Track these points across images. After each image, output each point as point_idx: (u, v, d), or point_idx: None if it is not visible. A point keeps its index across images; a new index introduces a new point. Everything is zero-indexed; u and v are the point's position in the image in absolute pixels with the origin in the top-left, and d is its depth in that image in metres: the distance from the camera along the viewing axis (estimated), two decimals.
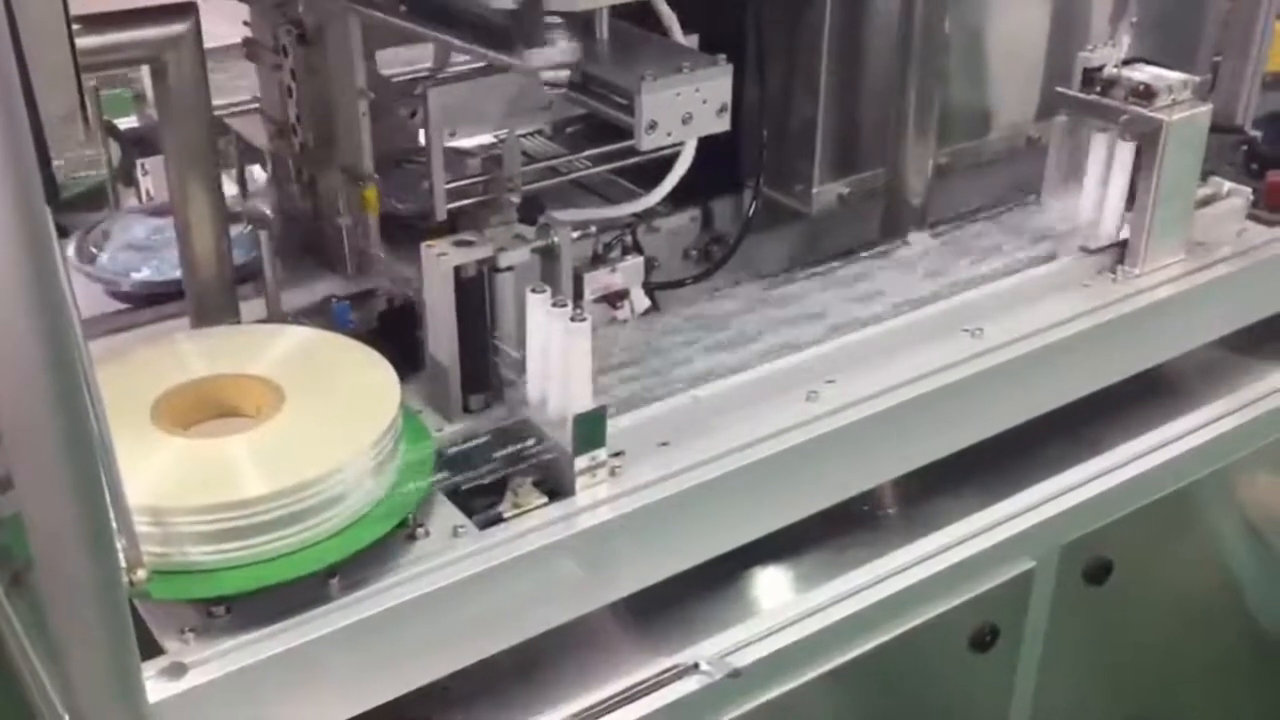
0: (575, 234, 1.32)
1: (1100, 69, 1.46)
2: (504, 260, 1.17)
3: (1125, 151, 1.43)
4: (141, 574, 0.90)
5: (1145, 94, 1.42)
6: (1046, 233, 1.48)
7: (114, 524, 0.83)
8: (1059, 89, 1.49)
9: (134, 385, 1.07)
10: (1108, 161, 1.44)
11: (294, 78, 1.36)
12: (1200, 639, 1.68)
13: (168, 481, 0.98)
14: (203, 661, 0.94)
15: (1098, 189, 1.46)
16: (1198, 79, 1.47)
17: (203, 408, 1.09)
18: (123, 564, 0.85)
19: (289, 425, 1.05)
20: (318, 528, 0.99)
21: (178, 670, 0.93)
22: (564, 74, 1.10)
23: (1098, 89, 1.46)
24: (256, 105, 1.49)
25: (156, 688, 0.91)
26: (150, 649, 0.94)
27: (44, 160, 0.73)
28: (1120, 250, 1.48)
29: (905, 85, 1.46)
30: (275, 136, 1.44)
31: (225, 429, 1.07)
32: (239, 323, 1.29)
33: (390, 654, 1.02)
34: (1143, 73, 1.45)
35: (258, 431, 1.04)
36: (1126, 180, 1.44)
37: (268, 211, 1.42)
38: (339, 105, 1.33)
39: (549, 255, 1.19)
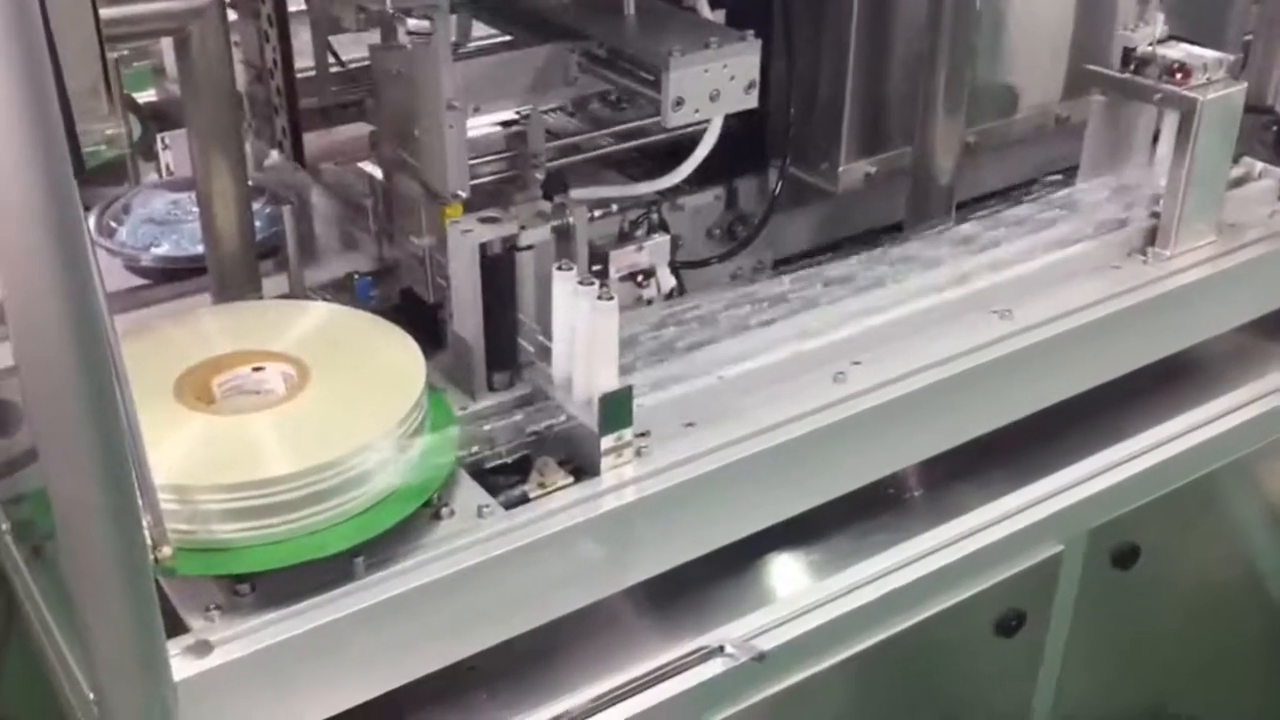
0: (599, 212, 1.31)
1: (1136, 47, 1.43)
2: (525, 239, 1.15)
3: (1165, 131, 1.41)
4: (167, 551, 0.89)
5: (1180, 72, 1.40)
6: (1077, 213, 1.45)
7: (139, 500, 0.82)
8: (1093, 67, 1.47)
9: (157, 361, 1.06)
10: (1144, 141, 1.42)
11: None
12: (1225, 626, 1.67)
13: (192, 459, 0.98)
14: (227, 640, 0.94)
15: (1132, 169, 1.44)
16: (1232, 58, 1.45)
17: (226, 385, 1.08)
18: (148, 540, 0.85)
19: (314, 403, 1.04)
20: (342, 507, 0.99)
21: (203, 648, 0.93)
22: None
23: (1132, 67, 1.44)
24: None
25: (181, 665, 0.91)
26: (175, 628, 0.93)
27: (71, 133, 0.72)
28: (1151, 232, 1.46)
29: (935, 62, 1.44)
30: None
31: (249, 406, 1.06)
32: (260, 298, 1.28)
33: (414, 634, 1.01)
34: (1178, 51, 1.42)
35: (282, 409, 1.03)
36: (1162, 161, 1.42)
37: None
38: (423, 119, 1.20)
39: (564, 234, 1.18)
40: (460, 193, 1.17)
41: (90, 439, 0.76)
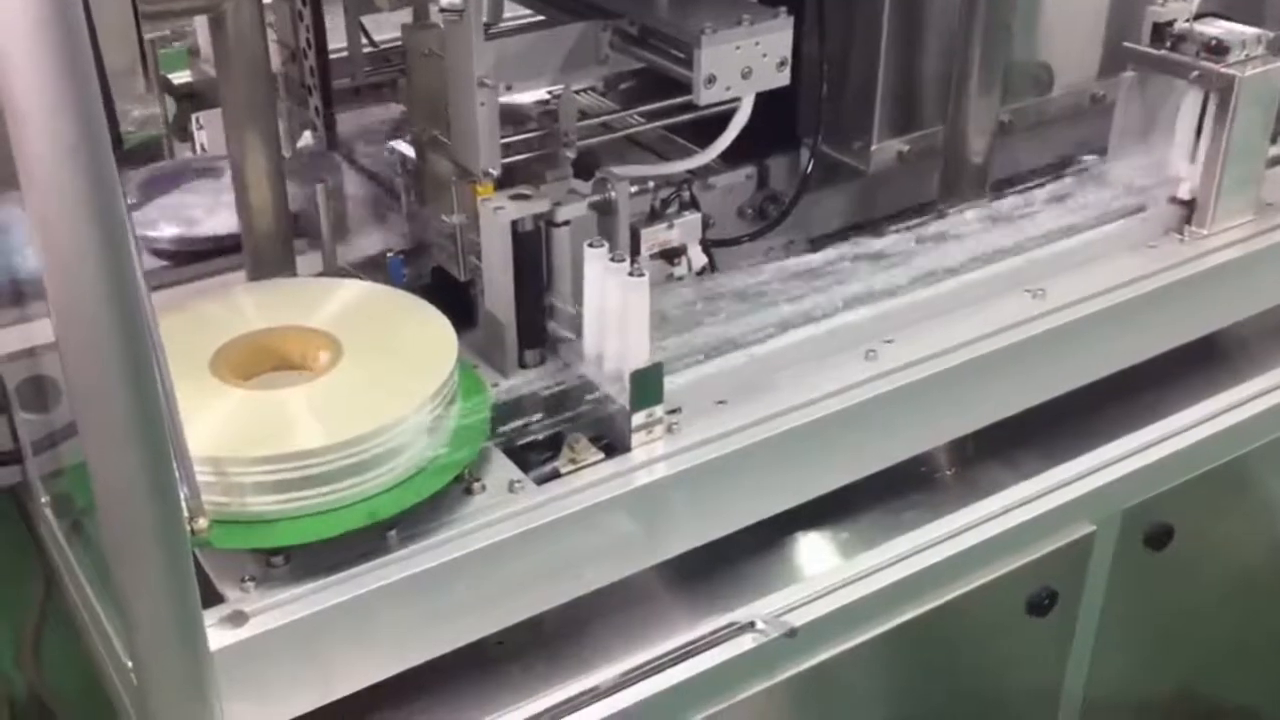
0: (632, 190, 1.31)
1: (1171, 23, 1.42)
2: (561, 215, 1.16)
3: (1198, 107, 1.39)
4: (203, 523, 0.91)
5: (1217, 49, 1.39)
6: (1112, 191, 1.44)
7: (176, 473, 0.83)
8: (1127, 44, 1.46)
9: (193, 337, 1.07)
10: (1178, 118, 1.41)
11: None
12: (1257, 608, 1.65)
13: (228, 432, 0.99)
14: (262, 611, 0.95)
15: (1166, 147, 1.43)
16: (1271, 34, 1.43)
17: (261, 360, 1.09)
18: (185, 513, 0.86)
19: (347, 378, 1.05)
20: (375, 480, 0.99)
21: (238, 619, 0.94)
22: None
23: (1168, 44, 1.42)
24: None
25: (217, 635, 0.92)
26: (211, 599, 0.95)
27: (109, 109, 0.73)
28: (1188, 210, 1.44)
29: (969, 40, 1.42)
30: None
31: (284, 381, 1.07)
32: (295, 276, 1.29)
33: (446, 607, 1.02)
34: (1215, 27, 1.41)
35: (316, 384, 1.04)
36: (1197, 138, 1.41)
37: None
38: (456, 96, 1.20)
39: (606, 210, 1.18)
40: (492, 171, 1.17)
41: (128, 413, 0.77)
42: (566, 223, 1.16)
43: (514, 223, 1.14)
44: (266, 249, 1.27)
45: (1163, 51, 1.42)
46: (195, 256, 1.48)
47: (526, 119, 1.35)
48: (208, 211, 1.52)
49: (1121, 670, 1.51)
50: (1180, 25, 1.42)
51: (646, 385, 1.09)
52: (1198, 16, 1.43)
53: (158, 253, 1.52)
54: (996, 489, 1.31)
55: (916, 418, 1.24)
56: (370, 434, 0.98)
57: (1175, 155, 1.44)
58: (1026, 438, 1.35)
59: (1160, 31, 1.42)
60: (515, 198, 1.16)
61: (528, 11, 1.40)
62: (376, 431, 0.98)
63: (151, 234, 1.51)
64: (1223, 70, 1.38)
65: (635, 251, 1.22)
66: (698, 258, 1.28)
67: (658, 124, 1.51)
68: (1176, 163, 1.44)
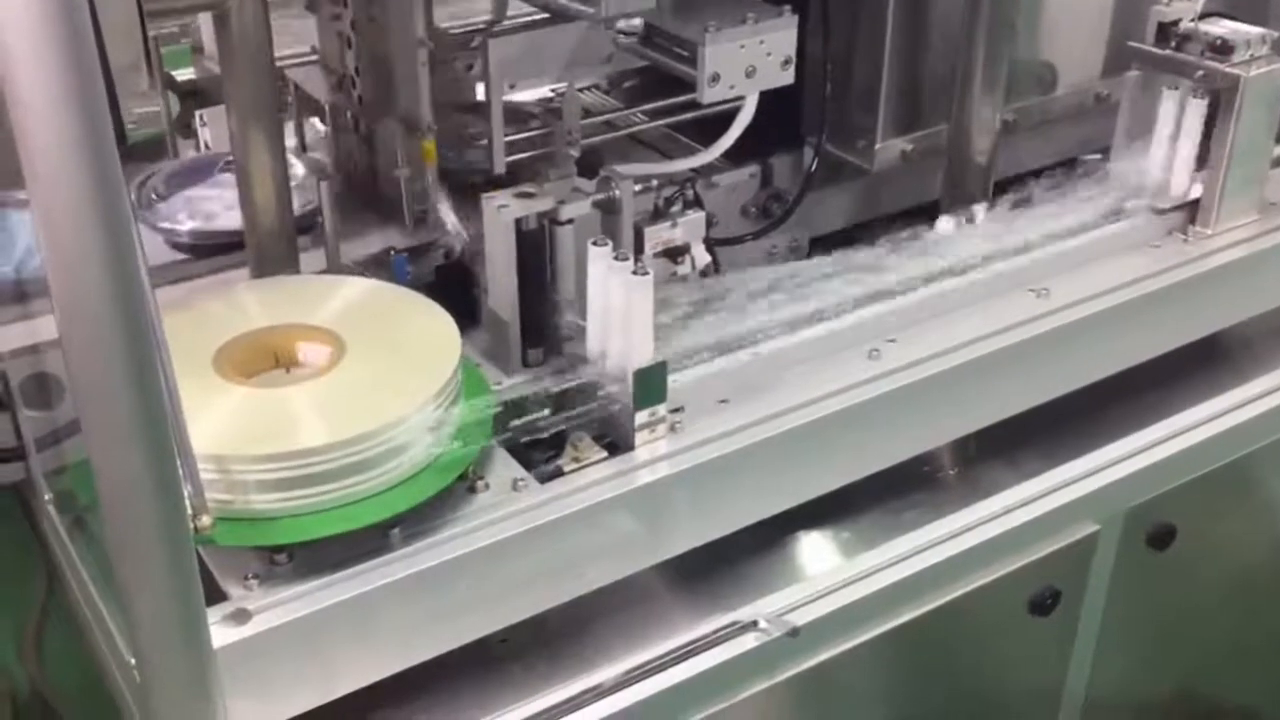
0: (635, 188, 1.31)
1: (1175, 23, 1.42)
2: (565, 213, 1.16)
3: (1199, 108, 1.39)
4: (206, 520, 0.91)
5: (1222, 49, 1.39)
6: (1115, 192, 1.44)
7: (180, 471, 0.83)
8: (1131, 44, 1.45)
9: (196, 335, 1.07)
10: (1180, 118, 1.41)
11: (353, 28, 1.35)
12: (1261, 609, 1.65)
13: (231, 430, 0.99)
14: (265, 608, 0.95)
15: (1169, 147, 1.43)
16: (1276, 34, 1.42)
17: (264, 358, 1.09)
18: (188, 510, 0.86)
19: (351, 376, 1.05)
20: (379, 478, 0.99)
21: (242, 616, 0.94)
22: (637, 22, 1.08)
23: (1172, 44, 1.42)
24: (315, 57, 1.48)
25: (220, 633, 0.92)
26: (214, 596, 0.95)
27: (113, 104, 0.73)
28: (1192, 210, 1.44)
29: (973, 39, 1.42)
30: (335, 89, 1.44)
31: (287, 379, 1.07)
32: (299, 273, 1.29)
33: (449, 605, 1.02)
34: (1220, 27, 1.41)
35: (320, 382, 1.04)
36: (1199, 138, 1.41)
37: (327, 162, 1.41)
38: (398, 55, 1.32)
39: (610, 209, 1.18)
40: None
41: (132, 410, 0.77)
42: (570, 221, 1.16)
43: (517, 221, 1.14)
44: (270, 246, 1.27)
45: (1167, 51, 1.42)
46: (212, 250, 1.48)
47: (530, 117, 1.36)
48: (226, 206, 1.53)
49: (1124, 670, 1.51)
50: (1185, 25, 1.42)
51: (650, 384, 1.09)
52: (1202, 16, 1.43)
53: (176, 245, 1.53)
54: (999, 489, 1.31)
55: (919, 417, 1.24)
56: (373, 432, 0.98)
57: (1179, 155, 1.44)
58: (1029, 437, 1.35)
59: (1165, 31, 1.42)
60: (519, 196, 1.16)
61: (531, 9, 1.40)
62: (380, 429, 0.98)
63: (170, 226, 1.51)
64: (1228, 70, 1.38)
65: (639, 250, 1.22)
66: (701, 256, 1.27)
67: (661, 122, 1.52)
68: (1181, 163, 1.44)
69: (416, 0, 1.27)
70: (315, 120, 1.54)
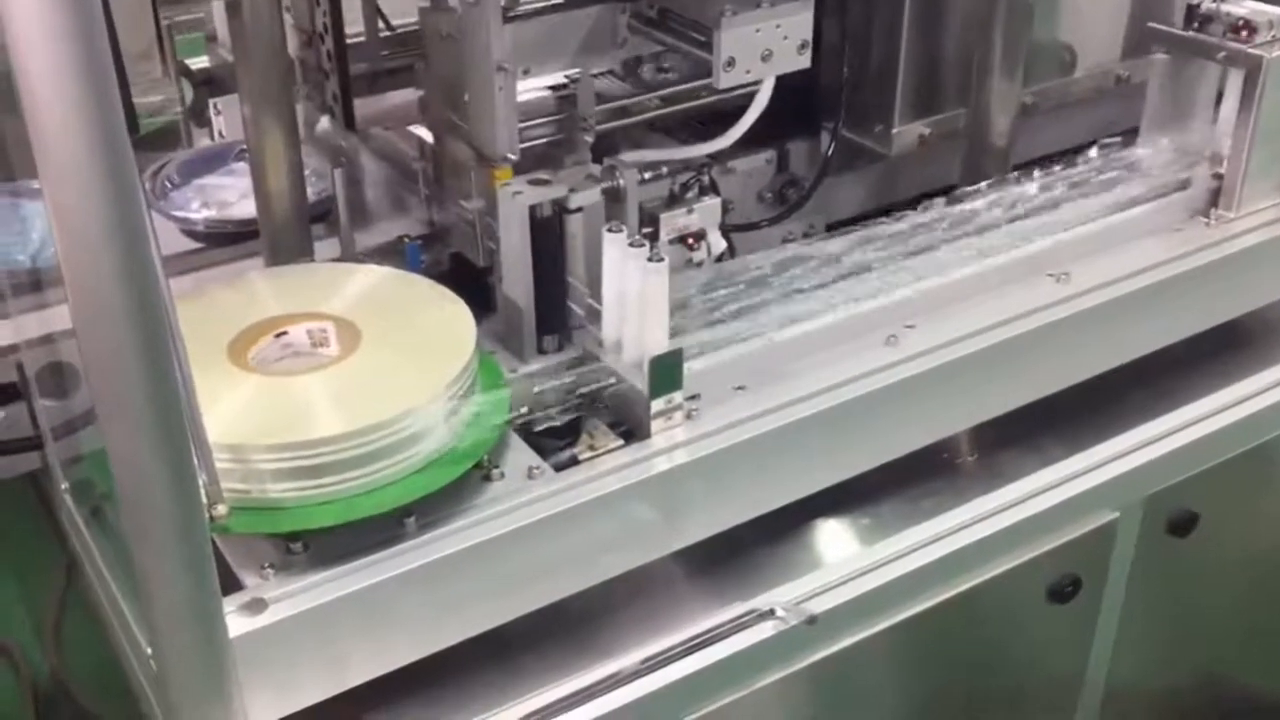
0: (649, 175, 1.30)
1: (1200, 4, 1.40)
2: (574, 201, 1.15)
3: (1230, 89, 1.38)
4: (221, 509, 0.91)
5: (1245, 29, 1.37)
6: (1137, 174, 1.43)
7: (195, 460, 0.83)
8: (1154, 25, 1.44)
9: (210, 323, 1.07)
10: (1207, 100, 1.39)
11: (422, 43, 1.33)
12: None
13: (246, 419, 0.99)
14: (281, 597, 0.95)
15: (1194, 129, 1.41)
16: None
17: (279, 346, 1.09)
18: (204, 499, 0.86)
19: (366, 364, 1.05)
20: (394, 467, 0.99)
21: (258, 605, 0.94)
22: None
23: (1195, 25, 1.40)
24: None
25: (236, 622, 0.92)
26: (230, 585, 0.95)
27: (125, 96, 0.72)
28: (1214, 193, 1.43)
29: (991, 21, 1.41)
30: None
31: (302, 367, 1.06)
32: (313, 261, 1.29)
33: (464, 594, 1.02)
34: (1243, 8, 1.39)
35: (335, 370, 1.04)
36: (1226, 121, 1.39)
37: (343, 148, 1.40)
38: (471, 79, 1.19)
39: (614, 197, 1.17)
40: (510, 155, 1.17)
41: (147, 400, 0.77)
42: (579, 209, 1.15)
43: (532, 208, 1.13)
44: (284, 234, 1.26)
45: (1190, 32, 1.41)
46: (226, 239, 1.48)
47: (544, 103, 1.34)
48: (241, 195, 1.53)
49: (1144, 657, 1.50)
50: (1207, 6, 1.40)
51: (665, 371, 1.08)
52: None
53: (190, 234, 1.53)
54: (1018, 475, 1.30)
55: (937, 404, 1.23)
56: (389, 421, 0.98)
57: (1203, 138, 1.42)
58: (1049, 423, 1.34)
59: (1190, 12, 1.41)
60: (533, 183, 1.16)
61: None
62: (395, 418, 0.98)
63: (184, 215, 1.52)
64: (1251, 51, 1.36)
65: (654, 236, 1.21)
66: (717, 243, 1.27)
67: (676, 108, 1.50)
68: (1205, 146, 1.42)
69: (495, 23, 1.13)
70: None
